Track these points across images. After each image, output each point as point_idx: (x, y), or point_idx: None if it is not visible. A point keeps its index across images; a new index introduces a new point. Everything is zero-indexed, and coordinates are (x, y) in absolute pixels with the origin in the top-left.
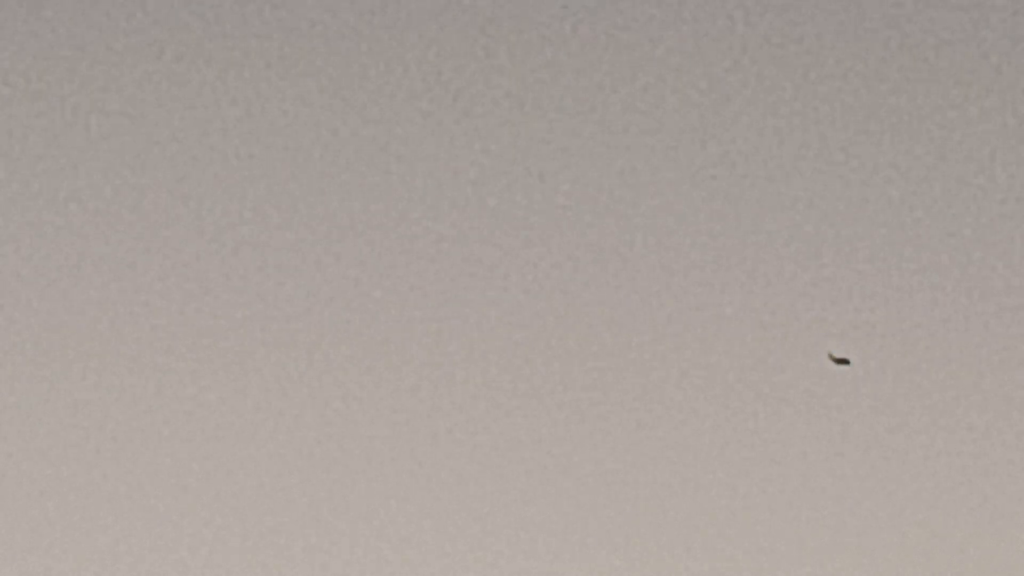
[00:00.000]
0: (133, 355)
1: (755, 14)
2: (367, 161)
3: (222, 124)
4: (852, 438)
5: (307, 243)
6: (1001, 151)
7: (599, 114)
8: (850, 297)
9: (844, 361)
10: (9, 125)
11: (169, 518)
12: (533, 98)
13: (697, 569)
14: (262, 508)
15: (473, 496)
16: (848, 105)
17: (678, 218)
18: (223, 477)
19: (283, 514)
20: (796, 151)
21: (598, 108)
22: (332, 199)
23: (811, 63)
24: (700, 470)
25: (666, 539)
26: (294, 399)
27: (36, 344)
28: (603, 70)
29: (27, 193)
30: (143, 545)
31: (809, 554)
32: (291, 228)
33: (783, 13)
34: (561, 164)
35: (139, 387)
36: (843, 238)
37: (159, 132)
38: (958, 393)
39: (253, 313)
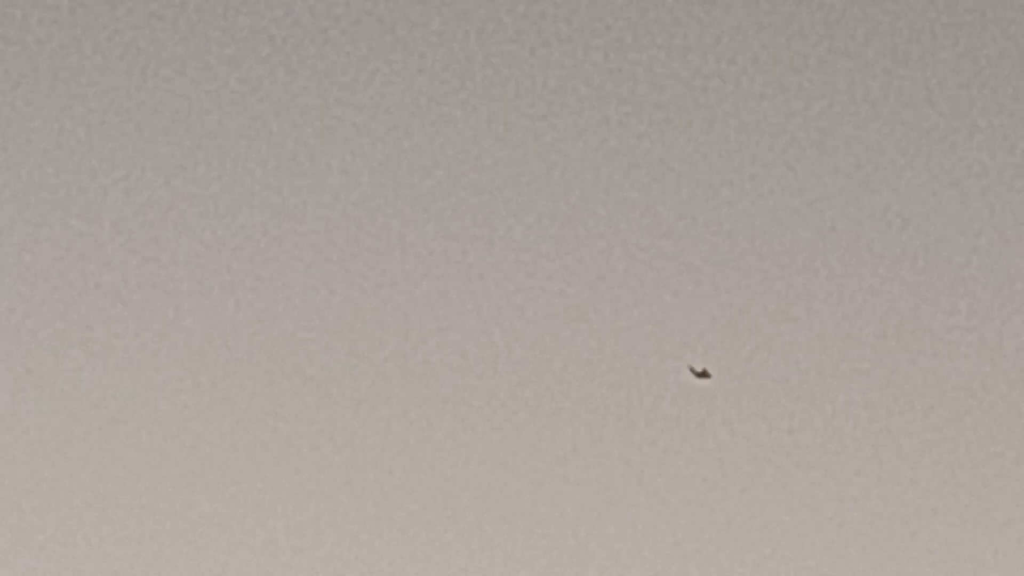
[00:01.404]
0: (132, 355)
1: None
2: (365, 161)
3: (221, 124)
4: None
5: (305, 243)
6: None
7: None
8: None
9: (704, 375)
10: (9, 125)
11: (168, 517)
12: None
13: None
14: (260, 508)
15: (458, 497)
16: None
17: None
18: (222, 477)
19: (281, 513)
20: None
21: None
22: (330, 199)
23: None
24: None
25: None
26: (292, 399)
27: (36, 343)
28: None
29: (27, 193)
30: (142, 544)
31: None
32: (289, 228)
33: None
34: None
35: (137, 386)
36: (713, 247)
37: (158, 132)
38: (819, 403)
39: (250, 312)
